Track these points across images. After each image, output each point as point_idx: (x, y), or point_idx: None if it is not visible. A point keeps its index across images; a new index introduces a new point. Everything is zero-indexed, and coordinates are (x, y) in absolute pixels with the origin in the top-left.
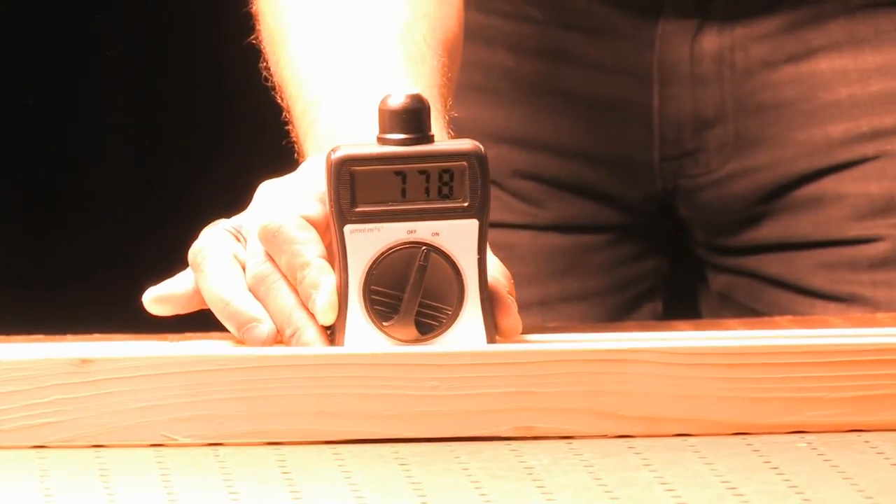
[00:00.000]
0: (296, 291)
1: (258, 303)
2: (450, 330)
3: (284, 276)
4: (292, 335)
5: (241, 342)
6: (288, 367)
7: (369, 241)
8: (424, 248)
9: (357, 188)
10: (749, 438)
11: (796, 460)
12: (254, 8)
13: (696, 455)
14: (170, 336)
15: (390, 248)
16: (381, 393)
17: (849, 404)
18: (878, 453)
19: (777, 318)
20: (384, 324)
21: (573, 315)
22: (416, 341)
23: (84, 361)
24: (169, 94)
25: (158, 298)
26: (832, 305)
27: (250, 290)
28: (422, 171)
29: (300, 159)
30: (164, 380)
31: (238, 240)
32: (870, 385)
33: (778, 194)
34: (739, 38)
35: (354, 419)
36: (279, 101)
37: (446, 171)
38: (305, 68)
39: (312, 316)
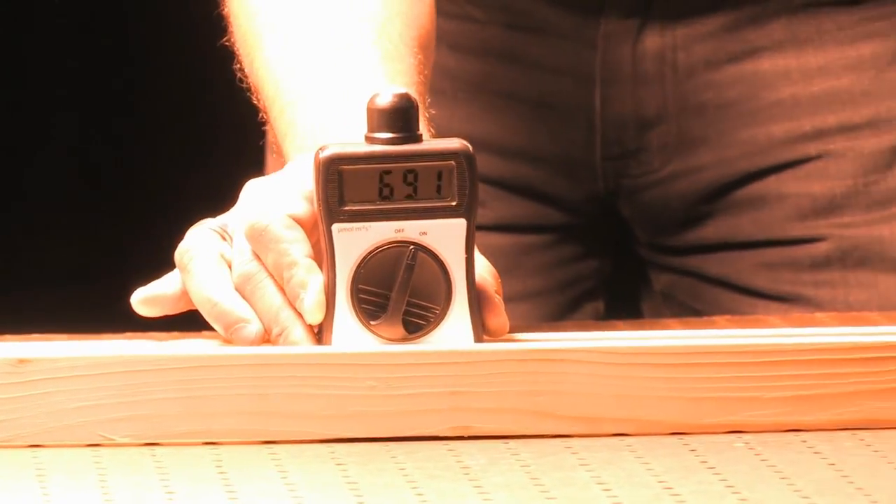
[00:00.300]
0: (283, 290)
1: (245, 303)
2: (437, 329)
3: (271, 275)
4: (279, 334)
5: (228, 342)
6: (225, 367)
7: (357, 240)
8: (412, 247)
9: (345, 187)
10: (686, 438)
11: (733, 460)
12: (225, 10)
13: (632, 455)
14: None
15: (378, 247)
16: (319, 392)
17: (786, 404)
18: (815, 453)
19: (715, 318)
20: (372, 323)
21: (514, 315)
22: (403, 340)
23: (21, 361)
24: (152, 94)
25: (146, 300)
26: (774, 305)
27: (237, 289)
28: (410, 171)
29: (279, 158)
30: (101, 380)
31: (224, 239)
32: (807, 385)
33: (720, 194)
34: (681, 38)
35: (291, 419)
36: (255, 101)
37: (434, 170)
38: (281, 69)
39: (300, 315)
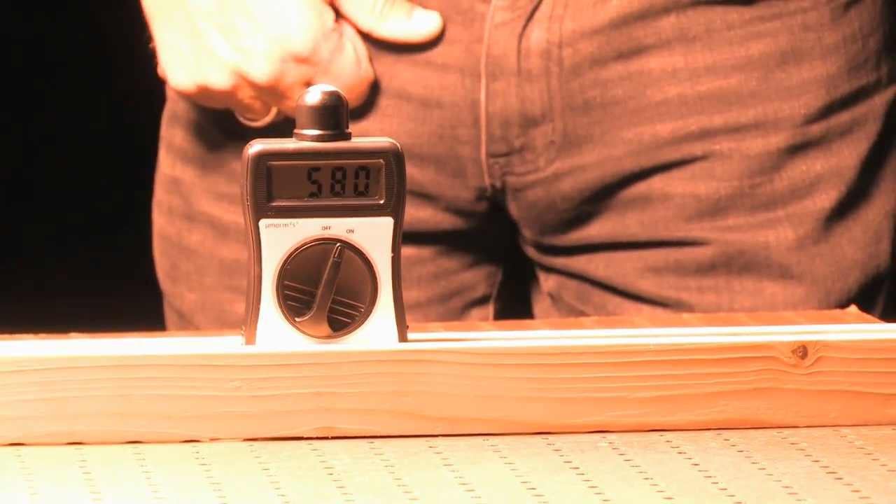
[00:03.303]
0: None
1: None
2: (362, 327)
3: None
4: None
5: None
6: (90, 369)
7: (284, 236)
8: (339, 244)
9: (273, 183)
10: (551, 438)
11: (597, 460)
12: None
13: (497, 455)
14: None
15: (305, 244)
16: (183, 393)
17: (650, 404)
18: (679, 453)
19: (582, 319)
20: (297, 319)
21: None
22: (328, 338)
23: None
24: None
25: None
26: (659, 311)
27: None
28: (338, 168)
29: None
30: None
31: None
32: (671, 385)
33: (605, 193)
34: (568, 35)
35: (156, 419)
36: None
37: (363, 168)
38: None
39: None
